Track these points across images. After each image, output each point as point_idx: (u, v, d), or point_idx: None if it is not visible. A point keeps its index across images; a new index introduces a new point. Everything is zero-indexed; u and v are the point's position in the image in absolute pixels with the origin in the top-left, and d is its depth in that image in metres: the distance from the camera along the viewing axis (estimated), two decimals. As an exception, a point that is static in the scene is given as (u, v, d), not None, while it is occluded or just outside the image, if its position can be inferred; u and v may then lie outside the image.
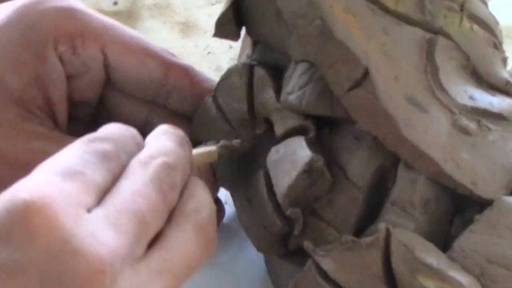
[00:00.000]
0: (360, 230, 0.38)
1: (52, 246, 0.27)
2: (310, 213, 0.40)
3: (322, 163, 0.38)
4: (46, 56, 0.44)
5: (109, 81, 0.47)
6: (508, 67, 0.44)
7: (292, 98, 0.40)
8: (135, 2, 0.67)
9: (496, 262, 0.35)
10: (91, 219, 0.29)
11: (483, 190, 0.37)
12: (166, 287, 0.31)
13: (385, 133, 0.37)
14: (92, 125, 0.49)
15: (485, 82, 0.41)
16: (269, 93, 0.42)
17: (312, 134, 0.40)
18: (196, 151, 0.38)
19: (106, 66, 0.46)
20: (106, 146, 0.32)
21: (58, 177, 0.29)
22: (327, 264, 0.37)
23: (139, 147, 0.34)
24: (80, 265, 0.28)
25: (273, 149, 0.41)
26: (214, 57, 0.63)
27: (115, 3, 0.67)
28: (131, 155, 0.33)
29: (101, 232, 0.29)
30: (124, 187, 0.31)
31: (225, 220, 0.48)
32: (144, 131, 0.48)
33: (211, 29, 0.45)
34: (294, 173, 0.38)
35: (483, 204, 0.37)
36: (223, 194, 0.48)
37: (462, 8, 0.41)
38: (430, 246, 0.36)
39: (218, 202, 0.47)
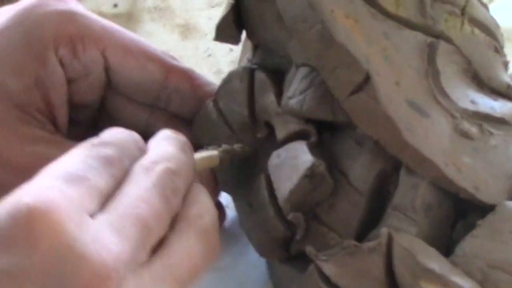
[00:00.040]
0: (362, 234, 0.38)
1: (56, 251, 0.27)
2: (312, 217, 0.40)
3: (323, 167, 0.38)
4: (47, 60, 0.44)
5: (109, 84, 0.47)
6: (510, 71, 0.44)
7: (293, 102, 0.40)
8: (135, 4, 0.67)
9: (498, 267, 0.35)
10: (95, 225, 0.29)
11: (485, 195, 0.37)
12: None
13: (387, 138, 0.36)
14: (93, 128, 0.49)
15: (487, 86, 0.41)
16: (270, 97, 0.42)
17: (313, 138, 0.40)
18: (198, 155, 0.38)
19: (107, 69, 0.46)
20: (109, 151, 0.32)
21: (61, 182, 0.29)
22: (329, 269, 0.37)
23: (142, 152, 0.34)
24: (84, 270, 0.28)
25: (274, 154, 0.40)
26: (214, 60, 0.63)
27: (115, 6, 0.67)
28: (134, 160, 0.33)
29: (104, 237, 0.29)
30: (127, 193, 0.31)
31: (226, 224, 0.48)
32: (145, 134, 0.48)
33: (212, 31, 0.45)
34: (295, 178, 0.38)
35: (485, 209, 0.37)
36: (225, 197, 0.48)
37: (463, 12, 0.41)
38: (432, 251, 0.36)
39: (219, 206, 0.47)
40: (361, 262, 0.36)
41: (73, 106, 0.46)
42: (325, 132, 0.40)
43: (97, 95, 0.47)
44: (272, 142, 0.42)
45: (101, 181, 0.31)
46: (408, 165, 0.37)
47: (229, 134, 0.44)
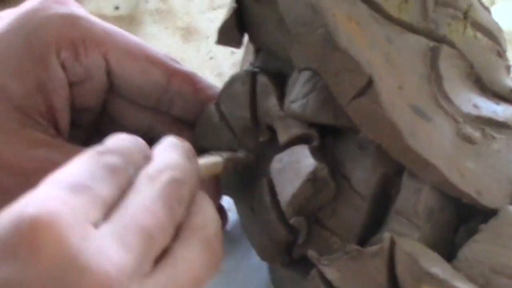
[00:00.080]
0: (364, 238, 0.38)
1: (59, 262, 0.27)
2: (314, 222, 0.40)
3: (326, 172, 0.38)
4: (48, 63, 0.44)
5: (111, 88, 0.47)
6: (512, 75, 0.44)
7: (296, 106, 0.40)
8: (137, 7, 0.67)
9: (501, 272, 0.35)
10: (98, 235, 0.29)
11: (487, 199, 0.37)
12: None
13: (389, 142, 0.36)
14: (94, 131, 0.49)
15: (489, 90, 0.41)
16: (272, 101, 0.42)
17: (315, 142, 0.40)
18: (201, 162, 0.38)
19: (109, 73, 0.46)
20: (114, 160, 0.32)
21: (65, 192, 0.29)
22: (331, 273, 0.36)
23: (147, 160, 0.34)
24: (87, 282, 0.27)
25: (277, 158, 0.40)
26: (216, 63, 0.63)
27: (117, 8, 0.67)
28: (139, 167, 0.33)
29: (108, 248, 0.28)
30: (132, 203, 0.31)
31: (228, 227, 0.48)
32: (147, 137, 0.48)
33: (213, 34, 0.45)
34: (298, 182, 0.38)
35: (487, 213, 0.37)
36: (227, 201, 0.48)
37: (465, 16, 0.41)
38: (435, 255, 0.36)
39: (221, 209, 0.47)
40: (363, 266, 0.36)
41: (75, 109, 0.46)
42: (328, 136, 0.40)
43: (99, 99, 0.47)
44: (274, 146, 0.42)
45: (106, 190, 0.30)
46: (410, 170, 0.37)
47: (231, 137, 0.44)
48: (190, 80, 0.47)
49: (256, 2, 0.41)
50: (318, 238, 0.39)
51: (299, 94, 0.40)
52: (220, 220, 0.35)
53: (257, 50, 0.45)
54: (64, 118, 0.45)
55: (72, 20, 0.45)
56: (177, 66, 0.47)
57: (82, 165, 0.31)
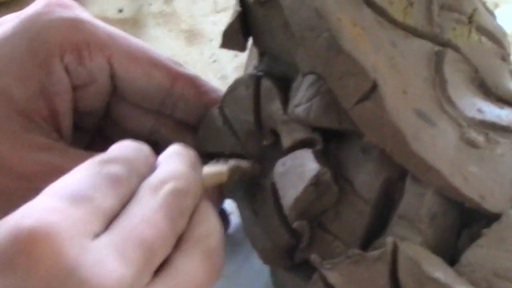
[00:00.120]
0: (367, 242, 0.38)
1: (56, 275, 0.27)
2: (317, 226, 0.40)
3: (329, 176, 0.38)
4: (52, 67, 0.44)
5: (115, 91, 0.47)
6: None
7: (300, 110, 0.40)
8: (141, 9, 0.67)
9: (504, 276, 0.35)
10: (97, 247, 0.29)
11: (491, 204, 0.37)
12: None
13: (393, 146, 0.36)
14: (98, 135, 0.49)
15: (493, 95, 0.41)
16: (276, 105, 0.42)
17: (319, 146, 0.40)
18: (206, 170, 0.38)
19: (112, 76, 0.46)
20: (118, 169, 0.32)
21: (65, 202, 0.29)
22: (333, 277, 0.36)
23: (151, 168, 0.34)
24: None
25: (280, 161, 0.40)
26: (219, 66, 0.63)
27: (120, 11, 0.67)
28: (142, 177, 0.33)
29: (107, 261, 0.28)
30: (133, 214, 0.31)
31: (230, 231, 0.48)
32: (151, 140, 0.48)
33: (217, 37, 0.45)
34: (301, 186, 0.38)
35: (490, 218, 0.37)
36: (229, 204, 0.48)
37: (470, 20, 0.41)
38: (438, 260, 0.36)
39: (223, 213, 0.47)
40: (366, 270, 0.36)
41: (78, 112, 0.46)
42: (331, 140, 0.40)
43: (102, 102, 0.47)
44: (278, 150, 0.42)
45: (107, 201, 0.30)
46: (414, 174, 0.37)
47: (235, 141, 0.44)
48: (193, 84, 0.47)
49: (260, 6, 0.41)
50: (320, 242, 0.39)
51: (303, 98, 0.40)
52: (223, 229, 0.35)
53: (261, 54, 0.45)
54: (67, 122, 0.45)
55: (76, 24, 0.45)
56: (180, 69, 0.47)
57: (84, 174, 0.31)
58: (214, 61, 0.63)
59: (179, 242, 0.32)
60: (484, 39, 0.41)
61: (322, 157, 0.39)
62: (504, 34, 0.44)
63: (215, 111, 0.45)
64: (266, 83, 0.43)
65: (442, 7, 0.40)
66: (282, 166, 0.40)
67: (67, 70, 0.44)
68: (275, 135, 0.43)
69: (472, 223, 0.38)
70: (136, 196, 0.32)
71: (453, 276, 0.35)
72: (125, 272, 0.28)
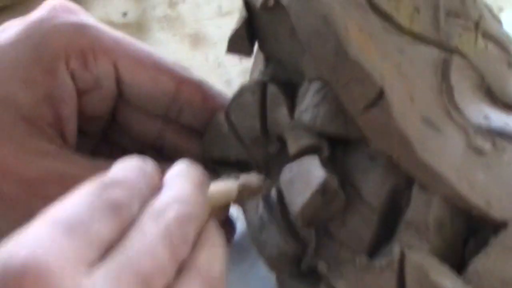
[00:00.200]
0: (374, 250, 0.38)
1: None
2: (324, 233, 0.39)
3: (336, 183, 0.38)
4: (57, 73, 0.43)
5: (121, 96, 0.47)
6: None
7: (306, 117, 0.40)
8: (145, 13, 0.67)
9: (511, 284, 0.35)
10: (92, 281, 0.28)
11: (498, 211, 0.37)
12: None
13: (400, 154, 0.36)
14: (103, 139, 0.49)
15: (500, 101, 0.41)
16: (282, 111, 0.42)
17: (326, 153, 0.39)
18: (214, 190, 0.37)
19: (118, 81, 0.46)
20: (119, 195, 0.31)
21: (61, 233, 0.28)
22: (340, 285, 0.36)
23: (156, 189, 0.33)
24: None
25: (286, 168, 0.40)
26: (224, 70, 0.63)
27: (124, 15, 0.67)
28: (146, 200, 0.32)
29: None
30: (132, 243, 0.30)
31: (236, 237, 0.48)
32: (157, 145, 0.48)
33: (221, 41, 0.45)
34: (308, 193, 0.38)
35: (497, 225, 0.37)
36: (235, 210, 0.47)
37: (476, 26, 0.41)
38: (445, 268, 0.36)
39: (229, 219, 0.47)
40: (373, 279, 0.36)
41: (84, 117, 0.46)
42: (338, 147, 0.40)
43: (107, 107, 0.47)
44: (284, 156, 0.41)
45: (106, 230, 0.29)
46: (420, 181, 0.37)
47: (240, 147, 0.44)
48: (199, 88, 0.47)
49: (267, 12, 0.41)
50: (327, 250, 0.39)
51: (309, 104, 0.40)
52: (226, 258, 0.34)
53: (267, 59, 0.45)
54: (71, 128, 0.45)
55: (81, 29, 0.45)
56: (186, 74, 0.47)
57: (83, 201, 0.30)
58: (219, 65, 0.63)
59: (181, 268, 0.31)
60: (490, 45, 0.41)
61: (328, 164, 0.39)
62: (511, 40, 0.43)
63: (221, 117, 0.45)
64: (272, 89, 0.43)
65: (448, 13, 0.40)
66: (289, 173, 0.40)
67: (72, 75, 0.44)
68: (281, 141, 0.42)
69: (479, 230, 0.38)
70: (138, 222, 0.31)
71: (460, 285, 0.35)
72: None
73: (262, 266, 0.43)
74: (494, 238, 0.36)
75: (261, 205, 0.42)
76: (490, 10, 0.43)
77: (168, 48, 0.64)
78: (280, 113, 0.42)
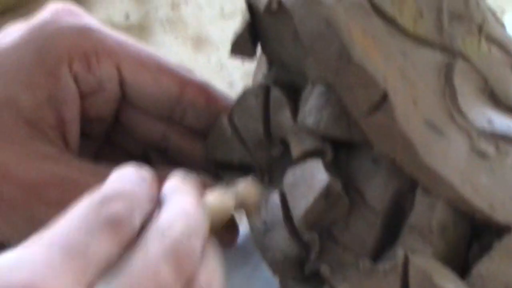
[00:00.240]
0: (377, 254, 0.38)
1: None
2: (327, 237, 0.39)
3: (339, 186, 0.38)
4: (60, 76, 0.43)
5: (124, 98, 0.47)
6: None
7: (309, 120, 0.40)
8: (147, 16, 0.67)
9: (515, 289, 0.35)
10: None
11: (501, 215, 0.37)
12: None
13: (403, 157, 0.36)
14: (106, 142, 0.49)
15: (503, 105, 0.41)
16: (286, 114, 0.42)
17: (329, 157, 0.39)
18: (212, 202, 0.35)
19: (121, 84, 0.46)
20: (118, 208, 0.30)
21: (59, 255, 0.28)
22: (344, 289, 0.36)
23: (154, 199, 0.32)
24: None
25: (290, 172, 0.40)
26: (226, 72, 0.63)
27: (127, 17, 0.67)
28: (146, 212, 0.31)
29: None
30: (136, 262, 0.29)
31: (239, 240, 0.48)
32: (161, 147, 0.48)
33: (224, 43, 0.45)
34: (311, 197, 0.38)
35: (501, 229, 0.37)
36: (238, 214, 0.47)
37: (480, 30, 0.41)
38: (448, 272, 0.36)
39: (232, 222, 0.47)
40: (377, 282, 0.36)
41: (87, 120, 0.46)
42: (341, 150, 0.40)
43: (111, 109, 0.47)
44: (287, 160, 0.41)
45: (106, 247, 0.29)
46: (424, 185, 0.37)
47: (244, 150, 0.44)
48: (203, 90, 0.47)
49: (270, 15, 0.41)
50: (331, 253, 0.39)
51: (313, 107, 0.40)
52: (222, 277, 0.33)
53: (270, 62, 0.45)
54: (74, 131, 0.45)
55: (84, 32, 0.45)
56: (190, 76, 0.47)
57: (80, 218, 0.29)
58: (221, 67, 0.63)
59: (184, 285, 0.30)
60: (494, 49, 0.41)
61: (332, 167, 0.39)
62: (514, 43, 0.44)
63: (224, 120, 0.45)
64: (275, 93, 0.43)
65: (452, 17, 0.40)
66: (292, 176, 0.40)
67: (75, 78, 0.44)
68: (285, 144, 0.42)
69: (483, 234, 0.38)
70: (141, 241, 0.30)
71: (464, 288, 0.35)
72: None
73: (265, 270, 0.43)
74: (498, 242, 0.36)
75: (264, 208, 0.42)
76: (494, 14, 0.43)
77: (170, 50, 0.64)
78: (283, 116, 0.42)
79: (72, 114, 0.44)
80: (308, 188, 0.38)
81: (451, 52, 0.39)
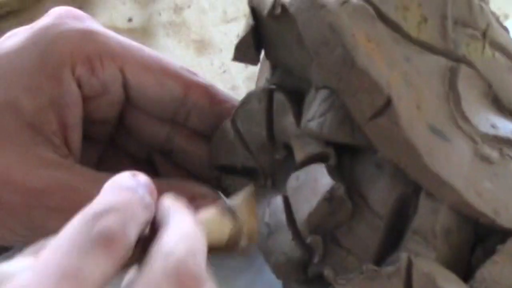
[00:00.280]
0: (381, 258, 0.38)
1: None
2: (331, 240, 0.40)
3: (343, 191, 0.38)
4: (62, 79, 0.43)
5: (128, 101, 0.47)
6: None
7: (313, 125, 0.40)
8: (150, 19, 0.67)
9: (518, 293, 0.35)
10: None
11: (505, 220, 0.37)
12: None
13: (407, 162, 0.36)
14: (110, 144, 0.49)
15: (507, 110, 0.41)
16: (289, 119, 0.42)
17: (332, 161, 0.40)
18: (206, 221, 0.35)
19: (125, 86, 0.46)
20: (111, 222, 0.29)
21: (52, 281, 0.27)
22: (347, 292, 0.37)
23: (152, 207, 0.32)
24: None
25: (293, 176, 0.40)
26: (229, 76, 0.63)
27: (130, 20, 0.67)
28: (142, 220, 0.31)
29: None
30: (139, 285, 0.28)
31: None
32: (165, 149, 0.48)
33: (227, 47, 0.45)
34: (314, 201, 0.38)
35: (505, 234, 0.37)
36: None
37: (484, 35, 0.41)
38: (452, 276, 0.36)
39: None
40: (380, 286, 0.36)
41: (91, 123, 0.46)
42: (345, 154, 0.40)
43: (115, 112, 0.47)
44: (291, 164, 0.42)
45: (101, 265, 0.28)
46: (428, 190, 0.37)
47: (247, 154, 0.44)
48: (207, 93, 0.47)
49: (274, 20, 0.41)
50: (334, 257, 0.39)
51: (316, 112, 0.40)
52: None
53: (274, 67, 0.45)
54: (76, 135, 0.44)
55: (87, 35, 0.45)
56: (194, 78, 0.47)
57: (73, 238, 0.28)
58: (224, 71, 0.63)
59: None
60: (497, 54, 0.41)
61: (335, 172, 0.39)
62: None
63: (228, 124, 0.45)
64: (278, 97, 0.43)
65: (456, 22, 0.40)
66: (296, 181, 0.40)
67: (79, 81, 0.44)
68: (288, 149, 0.43)
69: (486, 238, 0.38)
70: (144, 264, 0.29)
71: (467, 293, 0.35)
72: None
73: (269, 273, 0.43)
74: (501, 246, 0.36)
75: (267, 212, 0.42)
76: (497, 19, 0.43)
77: (173, 54, 0.64)
78: (286, 120, 0.42)
79: (74, 117, 0.44)
80: (312, 192, 0.38)
81: (455, 58, 0.40)
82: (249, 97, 0.44)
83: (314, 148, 0.40)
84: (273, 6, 0.41)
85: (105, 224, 0.29)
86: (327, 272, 0.37)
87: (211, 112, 0.47)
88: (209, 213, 0.36)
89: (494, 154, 0.38)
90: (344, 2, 0.38)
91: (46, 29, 0.44)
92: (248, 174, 0.45)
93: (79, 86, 0.44)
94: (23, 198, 0.41)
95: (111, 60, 0.45)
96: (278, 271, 0.42)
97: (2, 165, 0.41)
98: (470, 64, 0.40)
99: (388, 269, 0.36)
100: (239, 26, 0.44)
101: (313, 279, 0.41)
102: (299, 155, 0.41)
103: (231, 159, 0.45)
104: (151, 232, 0.32)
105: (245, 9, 0.44)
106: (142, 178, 0.32)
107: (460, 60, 0.40)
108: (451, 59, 0.39)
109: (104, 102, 0.46)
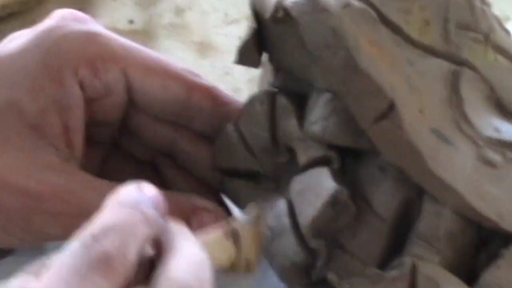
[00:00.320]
0: (385, 262, 0.38)
1: None
2: (334, 244, 0.40)
3: (346, 194, 0.38)
4: (65, 82, 0.43)
5: (131, 103, 0.47)
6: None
7: (316, 128, 0.40)
8: (151, 21, 0.67)
9: (522, 297, 0.35)
10: None
11: (508, 223, 0.37)
12: None
13: (410, 166, 0.37)
14: (114, 147, 0.49)
15: (510, 113, 0.41)
16: (292, 122, 0.42)
17: (336, 164, 0.40)
18: (208, 244, 0.34)
19: (128, 88, 0.46)
20: (108, 246, 0.29)
21: None
22: (352, 297, 0.37)
23: (154, 226, 0.31)
24: None
25: (297, 179, 0.40)
26: (231, 78, 0.63)
27: (131, 22, 0.67)
28: (144, 240, 0.30)
29: None
30: None
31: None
32: (168, 152, 0.48)
33: (228, 49, 0.45)
34: (318, 205, 0.38)
35: (508, 237, 0.37)
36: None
37: (486, 39, 0.41)
38: (456, 280, 0.36)
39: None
40: (384, 290, 0.36)
41: (94, 125, 0.46)
42: (348, 158, 0.40)
43: (118, 114, 0.47)
44: (294, 167, 0.42)
45: None
46: (431, 193, 0.37)
47: (250, 158, 0.44)
48: (210, 95, 0.47)
49: (276, 23, 0.41)
50: (338, 261, 0.39)
51: (319, 115, 0.40)
52: None
53: (276, 70, 0.45)
54: (79, 137, 0.44)
55: (90, 37, 0.45)
56: (197, 80, 0.47)
57: (71, 263, 0.28)
58: (226, 73, 0.63)
59: None
60: (500, 57, 0.41)
61: (339, 175, 0.39)
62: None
63: (230, 127, 0.45)
64: (281, 100, 0.43)
65: (458, 26, 0.40)
66: (299, 184, 0.40)
67: (82, 83, 0.44)
68: (291, 152, 0.42)
69: (490, 242, 0.38)
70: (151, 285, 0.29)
71: (471, 297, 0.35)
72: None
73: (273, 277, 0.43)
74: (505, 251, 0.36)
75: (271, 216, 0.42)
76: (500, 22, 0.43)
77: (175, 56, 0.64)
78: (289, 124, 0.42)
79: (77, 120, 0.44)
80: (315, 196, 0.38)
81: (457, 61, 0.40)
82: (251, 100, 0.44)
83: (317, 151, 0.40)
84: (275, 10, 0.41)
85: (101, 248, 0.28)
86: (331, 276, 0.37)
87: (214, 114, 0.47)
88: (213, 234, 0.36)
89: (497, 157, 0.38)
90: (346, 6, 0.38)
91: (49, 31, 0.44)
92: (251, 177, 0.45)
93: (82, 88, 0.44)
94: (22, 201, 0.41)
95: (114, 62, 0.45)
96: (282, 274, 0.42)
97: (3, 168, 0.41)
98: (472, 68, 0.40)
99: (392, 273, 0.36)
100: (240, 28, 0.44)
101: (317, 283, 0.41)
102: (302, 158, 0.41)
103: (234, 162, 0.45)
104: (156, 250, 0.32)
105: (246, 11, 0.44)
106: (148, 190, 0.32)
107: (462, 63, 0.40)
108: (454, 63, 0.39)
109: (107, 104, 0.46)
